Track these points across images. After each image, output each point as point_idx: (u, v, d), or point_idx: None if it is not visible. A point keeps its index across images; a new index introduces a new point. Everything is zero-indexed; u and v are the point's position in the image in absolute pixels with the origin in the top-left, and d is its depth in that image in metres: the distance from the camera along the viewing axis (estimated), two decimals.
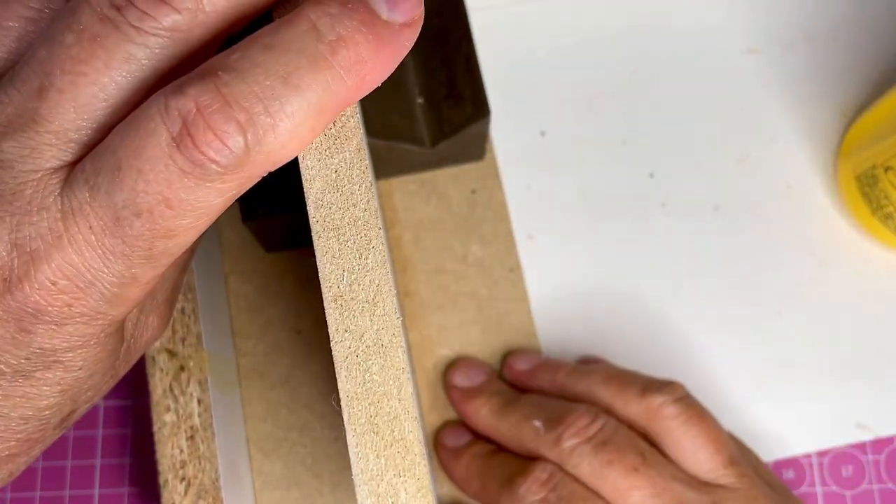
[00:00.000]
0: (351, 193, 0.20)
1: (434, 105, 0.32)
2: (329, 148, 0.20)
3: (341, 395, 0.19)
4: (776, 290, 0.34)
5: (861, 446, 0.33)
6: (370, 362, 0.20)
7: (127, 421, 0.33)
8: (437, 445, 0.32)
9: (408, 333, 0.32)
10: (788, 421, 0.33)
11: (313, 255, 0.20)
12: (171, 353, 0.28)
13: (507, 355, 0.33)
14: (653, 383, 0.29)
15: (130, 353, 0.21)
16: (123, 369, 0.22)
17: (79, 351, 0.19)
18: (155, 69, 0.18)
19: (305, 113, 0.17)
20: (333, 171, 0.20)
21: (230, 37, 0.19)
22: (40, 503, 0.33)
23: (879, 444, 0.33)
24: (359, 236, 0.20)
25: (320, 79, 0.17)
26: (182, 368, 0.28)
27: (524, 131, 0.36)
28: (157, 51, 0.18)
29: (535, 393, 0.31)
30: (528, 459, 0.29)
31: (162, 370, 0.28)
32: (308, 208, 0.20)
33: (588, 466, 0.27)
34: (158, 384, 0.28)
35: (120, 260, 0.18)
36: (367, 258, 0.20)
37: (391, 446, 0.19)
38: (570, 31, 0.37)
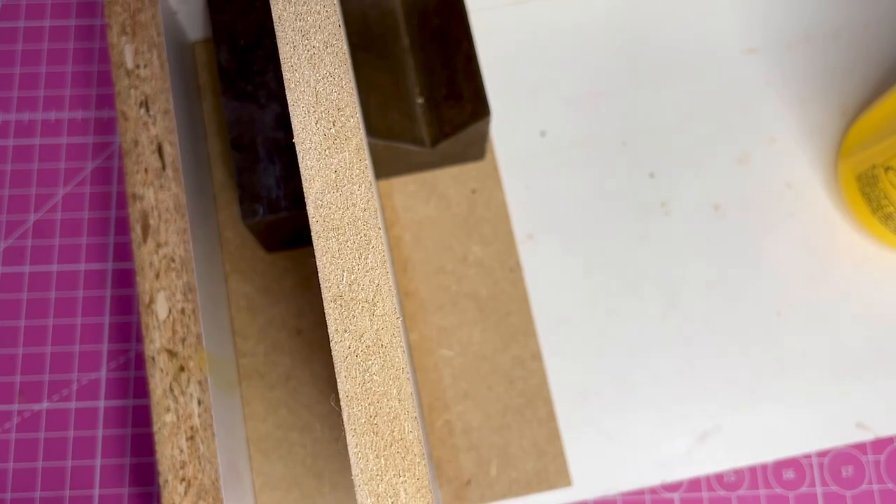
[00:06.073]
0: (351, 193, 0.20)
1: (434, 105, 0.32)
2: (329, 148, 0.20)
3: (341, 395, 0.19)
4: (776, 290, 0.34)
5: (861, 446, 0.33)
6: (370, 362, 0.20)
7: (127, 421, 0.33)
8: None
9: (408, 333, 0.32)
10: (788, 421, 0.33)
11: (313, 255, 0.20)
12: (171, 353, 0.28)
13: None
14: None
15: None
16: None
17: None
18: None
19: None
20: (333, 171, 0.20)
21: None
22: (40, 503, 0.33)
23: (879, 444, 0.33)
24: (359, 236, 0.20)
25: None
26: (182, 368, 0.28)
27: (524, 131, 0.36)
28: None
29: None
30: None
31: (162, 370, 0.28)
32: (308, 208, 0.20)
33: None
34: (158, 384, 0.28)
35: None
36: (366, 258, 0.20)
37: (391, 446, 0.19)
38: (570, 31, 0.37)
